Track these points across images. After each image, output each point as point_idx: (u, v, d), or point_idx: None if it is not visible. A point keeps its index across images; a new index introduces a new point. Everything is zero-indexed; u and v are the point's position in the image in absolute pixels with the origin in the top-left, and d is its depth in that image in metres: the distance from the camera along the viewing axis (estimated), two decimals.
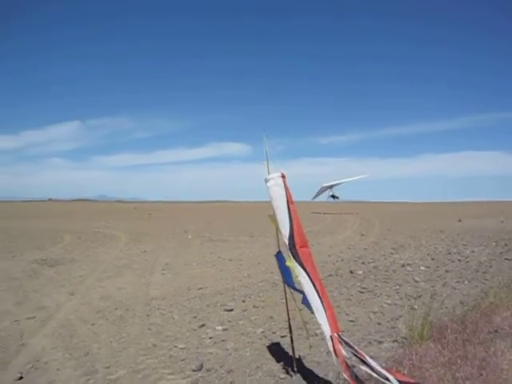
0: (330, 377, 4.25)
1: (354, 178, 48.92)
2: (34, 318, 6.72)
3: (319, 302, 3.60)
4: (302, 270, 3.70)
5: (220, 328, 6.13)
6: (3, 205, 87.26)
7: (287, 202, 3.87)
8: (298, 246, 3.75)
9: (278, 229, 4.16)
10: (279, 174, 3.94)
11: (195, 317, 6.73)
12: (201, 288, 8.85)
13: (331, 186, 48.54)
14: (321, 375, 4.32)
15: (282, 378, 4.36)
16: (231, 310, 7.14)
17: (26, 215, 44.32)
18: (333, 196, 49.28)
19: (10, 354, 5.16)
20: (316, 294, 3.62)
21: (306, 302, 3.86)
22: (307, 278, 3.67)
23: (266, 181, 3.93)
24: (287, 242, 3.79)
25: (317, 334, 5.40)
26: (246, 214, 47.06)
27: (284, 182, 3.92)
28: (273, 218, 4.10)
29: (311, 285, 3.65)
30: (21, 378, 4.47)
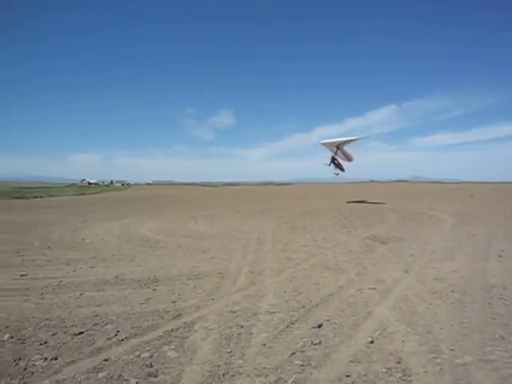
0: None
1: (351, 138, 34.22)
2: (374, 289, 7.39)
3: None
4: None
5: None
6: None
7: None
8: None
9: None
10: None
11: None
12: None
13: (336, 146, 34.71)
14: None
15: None
16: None
17: (355, 196, 49.03)
18: (333, 161, 35.59)
19: (359, 319, 5.87)
20: None
21: None
22: None
23: None
24: None
25: None
26: None
27: None
28: None
29: None
30: (372, 342, 5.01)
